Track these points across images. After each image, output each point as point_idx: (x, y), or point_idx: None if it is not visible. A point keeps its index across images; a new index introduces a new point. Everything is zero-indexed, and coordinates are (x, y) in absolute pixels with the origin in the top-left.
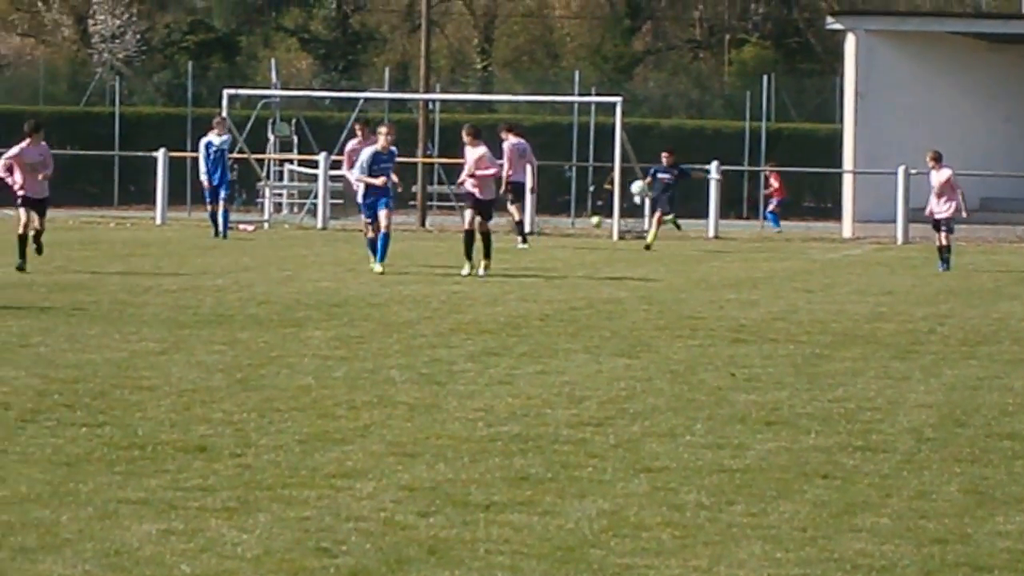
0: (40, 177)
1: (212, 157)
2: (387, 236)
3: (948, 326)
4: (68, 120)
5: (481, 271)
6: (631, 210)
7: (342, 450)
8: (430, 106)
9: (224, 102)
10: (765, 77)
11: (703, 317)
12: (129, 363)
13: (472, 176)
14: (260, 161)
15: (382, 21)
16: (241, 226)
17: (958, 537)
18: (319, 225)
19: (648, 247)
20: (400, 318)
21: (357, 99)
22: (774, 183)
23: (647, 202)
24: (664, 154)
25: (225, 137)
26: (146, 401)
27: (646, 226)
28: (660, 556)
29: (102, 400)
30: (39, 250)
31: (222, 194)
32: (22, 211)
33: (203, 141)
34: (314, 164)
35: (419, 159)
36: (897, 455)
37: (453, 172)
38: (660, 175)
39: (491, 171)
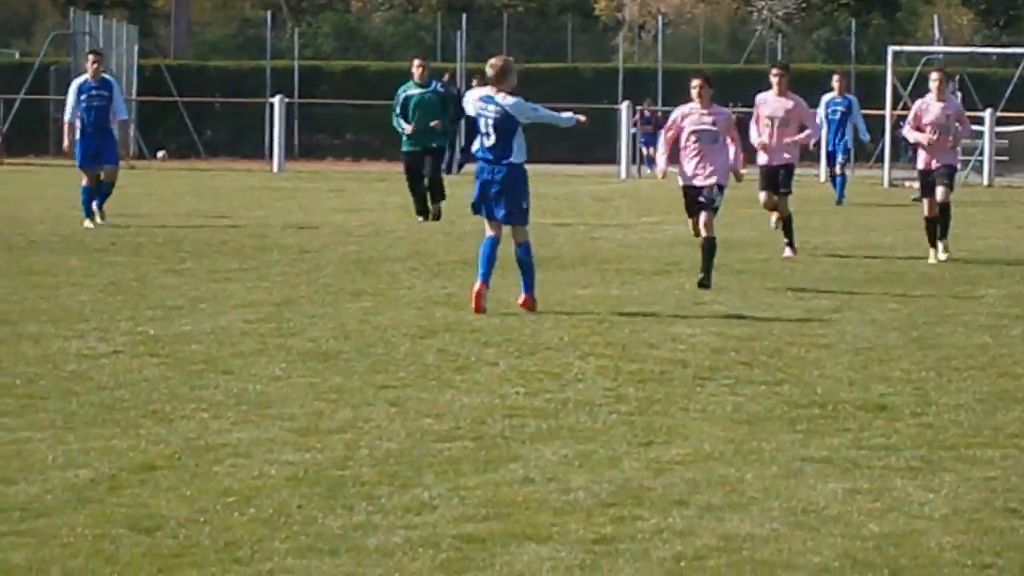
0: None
1: (830, 116)
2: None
3: None
4: (729, 77)
5: (941, 255)
6: None
7: (1023, 409)
8: None
9: (889, 59)
10: None
11: None
12: (803, 321)
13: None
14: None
15: None
16: (907, 183)
17: None
18: (984, 182)
19: None
20: None
21: (1021, 55)
22: None
23: None
24: None
25: (848, 97)
26: (823, 359)
27: None
28: None
29: (779, 358)
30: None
31: (840, 158)
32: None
33: (824, 98)
34: (978, 121)
35: None
36: None
37: None
38: None
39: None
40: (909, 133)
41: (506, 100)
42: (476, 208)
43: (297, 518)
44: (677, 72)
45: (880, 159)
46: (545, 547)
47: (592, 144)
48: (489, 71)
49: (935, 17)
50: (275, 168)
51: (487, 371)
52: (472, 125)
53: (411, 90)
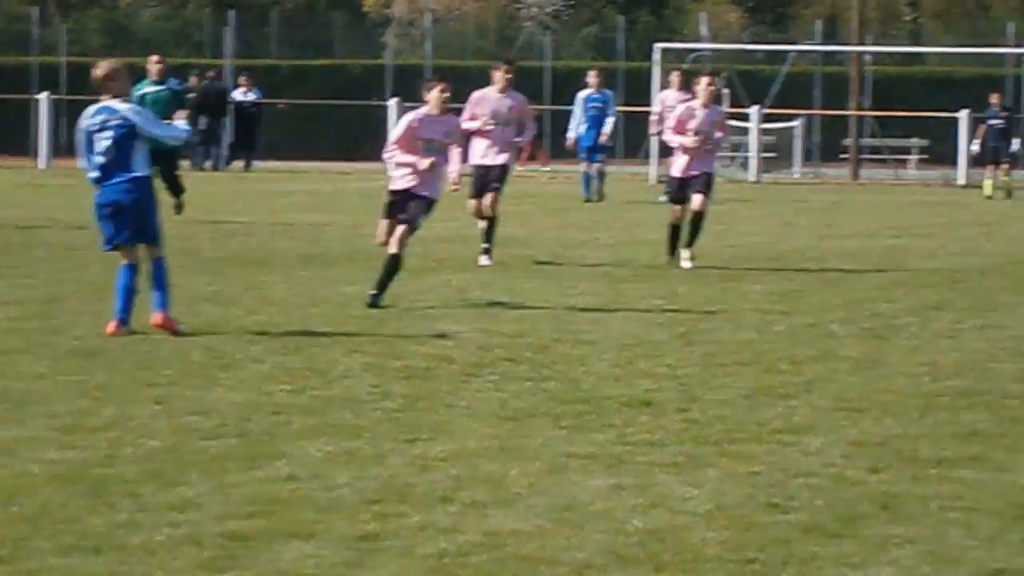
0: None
1: (588, 112)
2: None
3: None
4: None
5: (686, 263)
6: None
7: (787, 405)
8: (863, 58)
9: (656, 56)
10: None
11: None
12: (569, 317)
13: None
14: None
15: None
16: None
17: None
18: (751, 178)
19: (990, 197)
20: (838, 272)
21: (787, 52)
22: None
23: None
24: (994, 98)
25: (605, 92)
26: (589, 356)
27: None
28: None
29: (544, 354)
30: None
31: (599, 156)
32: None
33: (580, 95)
34: (745, 117)
35: (851, 112)
36: None
37: (885, 124)
38: (991, 121)
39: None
40: (672, 137)
41: (125, 108)
42: (108, 241)
43: (60, 516)
44: (447, 68)
45: (647, 156)
46: (309, 544)
47: (360, 141)
48: (96, 74)
49: (702, 15)
50: (41, 165)
51: (253, 368)
52: (241, 119)
53: (146, 88)
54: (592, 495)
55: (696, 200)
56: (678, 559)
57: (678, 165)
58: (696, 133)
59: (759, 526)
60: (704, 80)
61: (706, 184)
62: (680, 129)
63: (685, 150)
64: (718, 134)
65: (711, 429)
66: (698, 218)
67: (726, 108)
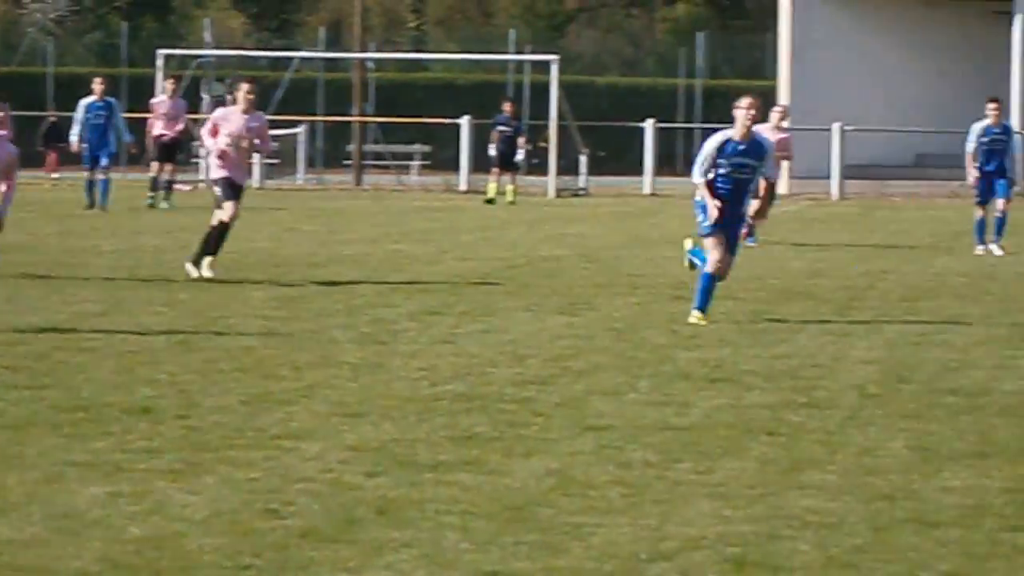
0: None
1: (92, 120)
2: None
3: (887, 282)
4: (3, 81)
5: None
6: (568, 168)
7: (287, 411)
8: (366, 65)
9: (160, 62)
10: (699, 35)
11: (643, 275)
12: (70, 324)
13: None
14: (196, 121)
15: None
16: (177, 186)
17: (905, 493)
18: (254, 184)
19: (491, 201)
20: (340, 278)
21: (291, 58)
22: None
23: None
24: (506, 105)
25: (108, 100)
26: (89, 363)
27: (581, 183)
28: (609, 515)
29: (44, 362)
30: None
31: (103, 161)
32: None
33: (82, 102)
34: None
35: (355, 118)
36: (842, 411)
37: (388, 131)
38: (501, 127)
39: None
40: (208, 140)
41: None
42: None
43: None
44: None
45: (148, 163)
46: None
47: None
48: None
49: (207, 20)
50: None
51: None
52: None
53: None
54: (89, 503)
55: (231, 207)
56: (175, 566)
57: (217, 168)
58: (229, 136)
59: (256, 532)
60: (244, 87)
61: (239, 192)
62: (215, 132)
63: (222, 155)
64: (257, 141)
65: (210, 435)
66: (226, 228)
67: None
